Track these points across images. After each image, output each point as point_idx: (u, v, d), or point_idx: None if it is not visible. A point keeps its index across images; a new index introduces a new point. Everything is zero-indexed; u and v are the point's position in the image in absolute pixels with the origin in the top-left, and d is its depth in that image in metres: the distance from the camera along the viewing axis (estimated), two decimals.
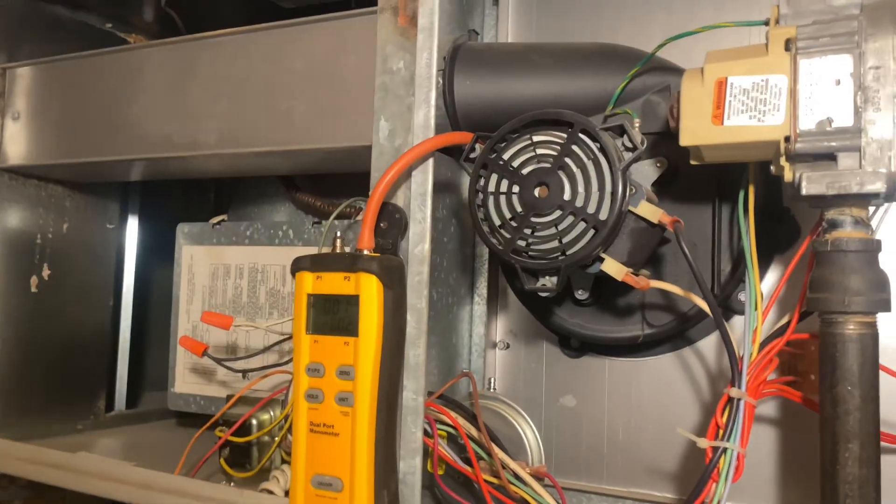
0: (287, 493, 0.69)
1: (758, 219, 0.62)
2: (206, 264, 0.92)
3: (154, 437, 0.99)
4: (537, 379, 0.76)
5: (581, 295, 0.64)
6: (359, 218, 0.67)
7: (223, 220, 0.93)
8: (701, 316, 0.64)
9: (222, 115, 0.75)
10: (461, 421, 0.61)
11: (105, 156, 0.82)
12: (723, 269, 0.62)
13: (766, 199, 0.62)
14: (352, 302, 0.54)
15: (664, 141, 0.61)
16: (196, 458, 0.75)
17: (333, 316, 0.55)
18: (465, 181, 0.79)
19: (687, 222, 0.63)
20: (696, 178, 0.63)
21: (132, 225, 1.10)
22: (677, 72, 0.61)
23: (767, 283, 0.67)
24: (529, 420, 0.66)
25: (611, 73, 0.63)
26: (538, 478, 0.60)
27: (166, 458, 0.80)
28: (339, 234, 0.59)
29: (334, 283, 0.55)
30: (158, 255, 1.07)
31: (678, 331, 0.66)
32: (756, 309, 0.54)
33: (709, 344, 0.68)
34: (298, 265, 0.57)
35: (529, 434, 0.65)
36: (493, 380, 0.75)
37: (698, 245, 0.63)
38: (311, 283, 0.56)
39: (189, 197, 1.14)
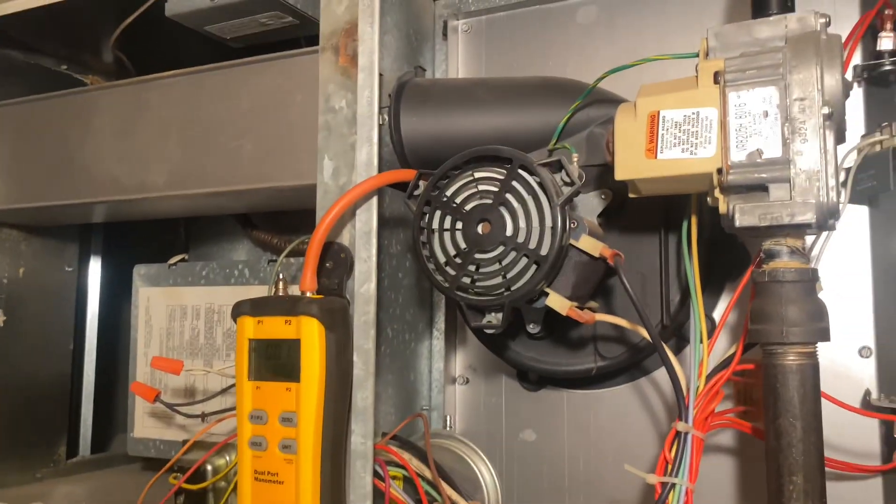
0: None
1: (706, 247, 0.62)
2: (163, 306, 0.90)
3: (115, 484, 0.97)
4: (497, 414, 0.75)
5: (533, 329, 0.63)
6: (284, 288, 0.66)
7: (183, 260, 0.92)
8: (653, 347, 0.64)
9: (171, 157, 0.74)
10: (413, 462, 0.60)
11: (56, 200, 0.81)
12: (672, 298, 0.62)
13: (715, 228, 0.62)
14: (293, 346, 0.54)
15: (609, 173, 0.61)
16: None
17: (275, 361, 0.54)
18: None
19: (635, 253, 0.63)
20: (643, 209, 0.63)
21: (94, 266, 1.08)
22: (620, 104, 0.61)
23: (720, 311, 0.67)
24: (486, 459, 0.65)
25: (554, 106, 0.63)
26: None
27: None
28: (280, 275, 0.58)
29: (275, 328, 0.54)
30: (125, 295, 1.06)
31: (632, 362, 0.66)
32: (701, 341, 0.54)
33: (664, 374, 0.68)
34: (239, 310, 0.56)
35: (486, 473, 0.64)
36: (449, 417, 0.74)
37: (647, 276, 0.63)
38: (252, 327, 0.55)
39: (152, 236, 1.13)
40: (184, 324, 0.89)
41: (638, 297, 0.62)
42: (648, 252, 0.63)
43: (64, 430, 1.03)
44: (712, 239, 0.63)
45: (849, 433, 0.61)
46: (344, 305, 0.56)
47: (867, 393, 0.62)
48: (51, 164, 0.82)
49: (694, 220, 0.56)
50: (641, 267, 0.63)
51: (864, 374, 0.62)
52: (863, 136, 0.60)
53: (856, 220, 0.63)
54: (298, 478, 0.52)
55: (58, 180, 0.81)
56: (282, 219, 0.92)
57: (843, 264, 0.63)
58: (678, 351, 0.67)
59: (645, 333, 0.56)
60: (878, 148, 0.58)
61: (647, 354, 0.65)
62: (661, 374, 0.68)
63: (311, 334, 0.53)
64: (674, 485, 0.51)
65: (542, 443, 0.72)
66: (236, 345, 0.56)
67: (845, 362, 0.62)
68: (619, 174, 0.51)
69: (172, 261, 0.91)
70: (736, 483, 0.65)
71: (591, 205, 0.62)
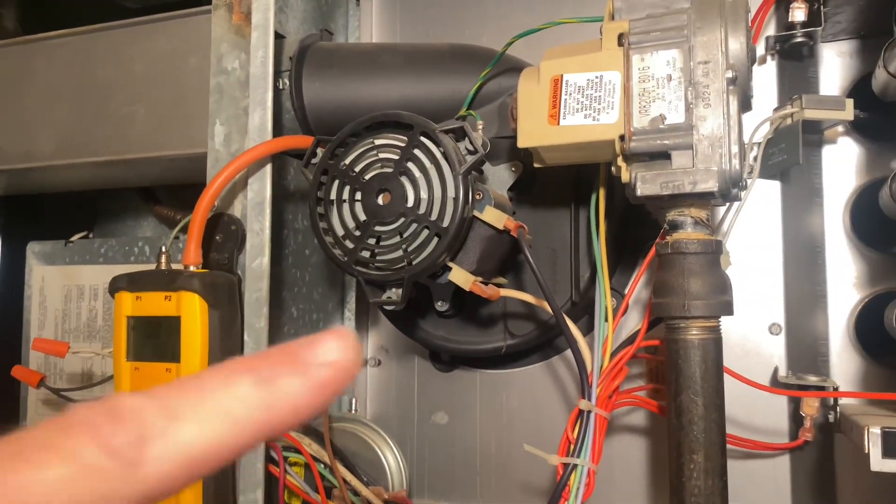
0: None
1: (618, 222, 0.61)
2: (58, 286, 0.84)
3: None
4: (409, 396, 0.72)
5: (441, 306, 0.61)
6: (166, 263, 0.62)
7: (86, 237, 0.86)
8: (556, 325, 0.62)
9: (59, 124, 0.69)
10: (312, 447, 0.57)
11: None
12: (582, 275, 0.60)
13: (628, 201, 0.60)
14: (173, 324, 0.50)
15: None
16: None
17: (155, 340, 0.50)
18: None
19: (546, 227, 0.61)
20: (553, 182, 0.61)
21: None
22: None
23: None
24: (391, 443, 0.62)
25: (464, 74, 0.60)
26: None
27: None
28: (163, 248, 0.54)
29: (154, 304, 0.50)
30: (20, 278, 0.99)
31: (542, 340, 0.64)
32: (606, 319, 0.52)
33: None
34: (116, 285, 0.51)
35: (390, 457, 0.61)
36: (353, 401, 0.71)
37: (558, 251, 0.61)
38: (130, 303, 0.51)
39: (53, 213, 1.06)
40: (80, 305, 0.83)
41: (549, 273, 0.60)
42: (559, 227, 0.61)
43: None
44: (626, 213, 0.61)
45: (758, 411, 0.61)
46: (230, 280, 0.52)
47: (776, 370, 0.61)
48: None
49: (602, 192, 0.54)
50: (552, 242, 0.61)
51: (774, 351, 0.61)
52: (775, 109, 0.59)
53: (767, 196, 0.62)
54: None
55: None
56: (187, 193, 0.87)
57: (754, 240, 0.62)
58: (590, 330, 0.65)
59: (547, 307, 0.53)
60: (788, 121, 0.56)
61: (557, 332, 0.63)
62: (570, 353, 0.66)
63: (192, 311, 0.49)
64: (575, 465, 0.49)
65: (455, 425, 0.70)
66: (114, 323, 0.52)
67: (755, 339, 0.62)
68: (522, 141, 0.48)
69: (75, 238, 0.85)
70: (647, 464, 0.64)
71: (501, 178, 0.59)
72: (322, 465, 0.59)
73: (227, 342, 0.51)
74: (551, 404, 0.67)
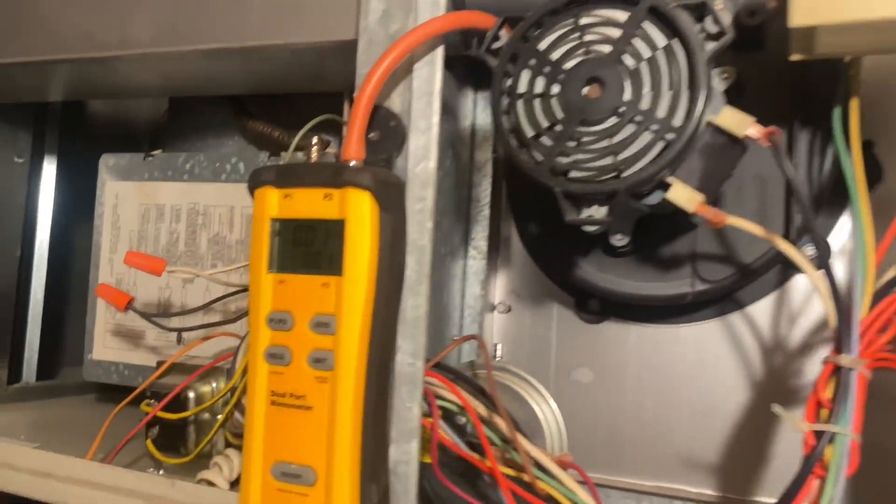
0: (233, 485, 0.54)
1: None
2: (134, 204, 0.75)
3: (68, 414, 0.82)
4: (545, 349, 0.62)
5: (619, 240, 0.51)
6: (328, 151, 0.52)
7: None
8: (765, 270, 0.52)
9: (160, 4, 0.59)
10: (468, 397, 0.47)
11: (8, 57, 0.65)
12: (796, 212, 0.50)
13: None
14: (334, 229, 0.40)
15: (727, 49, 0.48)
16: (116, 439, 0.59)
17: (308, 248, 0.40)
18: (465, 105, 0.65)
19: (753, 150, 0.51)
20: (768, 93, 0.50)
21: (49, 164, 0.91)
22: None
23: (839, 235, 0.55)
24: (547, 396, 0.53)
25: None
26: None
27: (80, 439, 0.64)
28: (315, 139, 0.44)
29: (310, 203, 0.40)
30: (83, 197, 0.89)
31: (734, 289, 0.53)
32: (867, 256, 0.41)
33: (763, 308, 0.56)
34: (259, 178, 0.41)
35: (548, 413, 0.52)
36: (498, 346, 0.61)
37: (767, 180, 0.51)
38: (276, 202, 0.41)
39: (119, 131, 0.96)
40: (160, 226, 0.74)
41: (755, 207, 0.50)
42: (768, 151, 0.50)
43: (6, 352, 0.87)
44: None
45: None
46: (401, 182, 0.42)
47: None
48: (3, 15, 0.65)
49: (855, 103, 0.44)
50: (761, 168, 0.51)
51: None
52: None
53: None
54: (336, 402, 0.39)
55: (11, 35, 0.65)
56: (275, 112, 0.76)
57: None
58: (785, 279, 0.55)
59: (784, 245, 0.43)
60: None
61: (754, 279, 0.53)
62: (758, 308, 0.56)
63: (361, 212, 0.39)
64: (834, 434, 0.39)
65: (601, 385, 0.60)
66: (253, 227, 0.42)
67: None
68: (798, 17, 0.38)
69: (154, 152, 0.75)
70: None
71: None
72: (465, 419, 0.49)
73: (395, 255, 0.41)
74: (725, 368, 0.57)
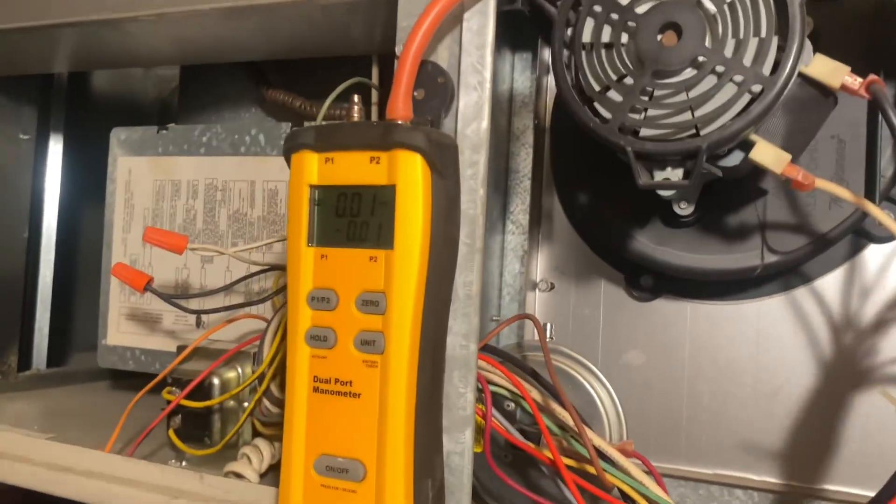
0: (263, 477, 0.50)
1: None
2: (148, 180, 0.71)
3: (81, 402, 0.78)
4: (592, 329, 0.58)
5: (684, 209, 0.47)
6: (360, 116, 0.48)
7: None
8: (839, 239, 0.48)
9: None
10: (524, 382, 0.43)
11: (12, 22, 0.60)
12: (884, 171, 0.45)
13: None
14: (383, 196, 0.35)
15: None
16: (133, 429, 0.55)
17: (353, 218, 0.36)
18: (502, 67, 0.61)
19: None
20: (841, 44, 0.46)
21: (56, 141, 0.87)
22: None
23: None
24: (604, 379, 0.49)
25: None
26: None
27: (96, 429, 0.60)
28: (356, 98, 0.39)
29: (355, 168, 0.36)
30: (92, 174, 0.85)
31: (806, 260, 0.49)
32: None
33: (832, 282, 0.52)
34: (296, 141, 0.37)
35: (605, 398, 0.48)
36: (550, 325, 0.57)
37: (846, 140, 0.46)
38: (316, 168, 0.37)
39: (127, 107, 0.92)
40: (176, 203, 0.69)
41: (831, 171, 0.46)
42: (848, 108, 0.46)
43: (14, 337, 0.83)
44: None
45: None
46: (454, 143, 0.38)
47: None
48: None
49: None
50: (836, 129, 0.46)
51: None
52: None
53: None
54: (386, 388, 0.35)
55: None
56: (297, 76, 0.72)
57: None
58: (856, 251, 0.51)
59: (877, 212, 0.39)
60: None
61: (826, 248, 0.48)
62: (826, 282, 0.52)
63: (412, 177, 0.35)
64: None
65: (654, 368, 0.56)
66: (289, 196, 0.38)
67: None
68: None
69: (169, 125, 0.71)
70: None
71: None
72: (514, 404, 0.45)
73: (450, 225, 0.37)
74: (790, 347, 0.52)
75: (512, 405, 0.46)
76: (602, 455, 0.41)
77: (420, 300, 0.35)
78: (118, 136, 0.72)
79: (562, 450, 0.43)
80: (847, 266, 0.51)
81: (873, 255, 0.51)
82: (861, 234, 0.50)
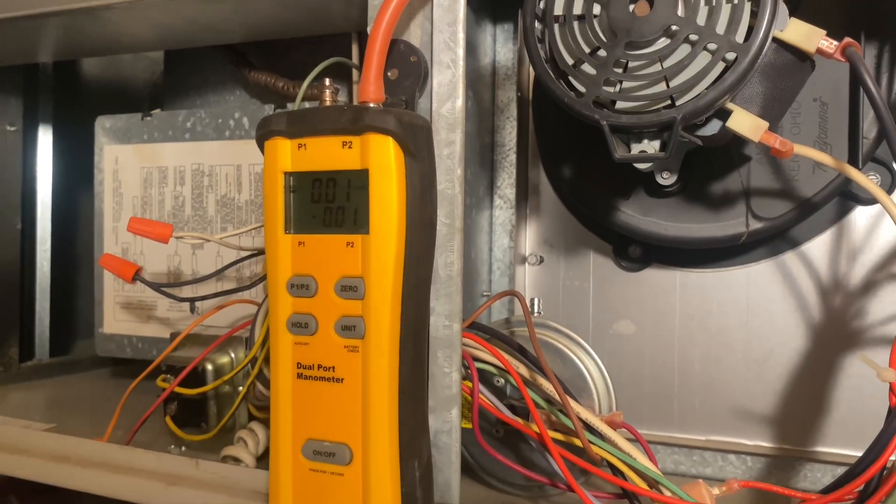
0: (260, 460, 0.51)
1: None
2: (135, 168, 0.70)
3: (82, 391, 0.79)
4: (582, 300, 0.58)
5: (666, 179, 0.46)
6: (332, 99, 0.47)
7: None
8: (824, 203, 0.47)
9: None
10: (509, 358, 0.43)
11: None
12: (867, 133, 0.45)
13: None
14: (357, 181, 0.35)
15: None
16: (133, 416, 0.56)
17: (328, 204, 0.36)
18: (484, 40, 0.60)
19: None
20: (822, 7, 0.45)
21: (45, 132, 0.87)
22: None
23: None
24: (592, 352, 0.49)
25: None
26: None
27: (96, 418, 0.61)
28: (328, 82, 0.39)
29: (327, 153, 0.36)
30: (83, 162, 0.85)
31: (791, 226, 0.49)
32: None
33: (819, 245, 0.52)
34: (268, 128, 0.37)
35: (594, 371, 0.48)
36: (537, 300, 0.57)
37: (828, 103, 0.46)
38: (289, 154, 0.37)
39: (116, 94, 0.91)
40: (164, 190, 0.69)
41: (813, 134, 0.45)
42: (830, 70, 0.45)
43: (14, 329, 0.84)
44: None
45: None
46: (427, 124, 0.38)
47: None
48: None
49: None
50: (818, 91, 0.46)
51: None
52: None
53: None
54: (368, 372, 0.35)
55: None
56: (279, 57, 0.71)
57: None
58: (843, 214, 0.50)
59: (857, 175, 0.38)
60: None
61: (809, 213, 0.48)
62: (813, 246, 0.52)
63: (385, 160, 0.34)
64: None
65: (644, 336, 0.56)
66: (264, 183, 0.38)
67: None
68: None
69: (153, 112, 0.71)
70: None
71: None
72: (504, 380, 0.46)
73: (425, 206, 0.36)
74: (779, 312, 0.52)
75: (501, 381, 0.47)
76: (590, 428, 0.42)
77: (398, 283, 0.35)
78: (103, 124, 0.72)
79: (550, 423, 0.43)
80: (834, 229, 0.51)
81: (860, 217, 0.50)
82: (847, 196, 0.50)
